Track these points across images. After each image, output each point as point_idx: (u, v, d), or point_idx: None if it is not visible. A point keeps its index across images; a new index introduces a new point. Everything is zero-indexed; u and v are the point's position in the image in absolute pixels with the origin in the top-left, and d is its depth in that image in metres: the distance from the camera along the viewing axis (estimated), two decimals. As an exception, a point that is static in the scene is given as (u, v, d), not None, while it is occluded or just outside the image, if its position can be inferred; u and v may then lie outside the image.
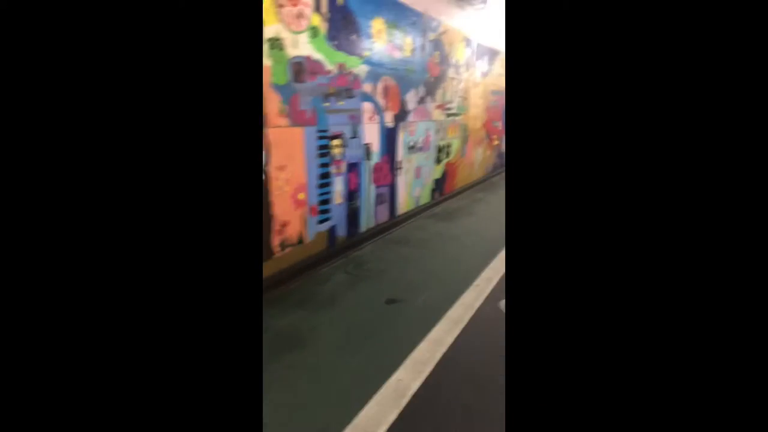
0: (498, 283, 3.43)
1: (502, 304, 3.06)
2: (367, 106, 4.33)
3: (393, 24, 4.57)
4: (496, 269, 3.75)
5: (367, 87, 4.28)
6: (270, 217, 3.30)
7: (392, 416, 1.93)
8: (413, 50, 5.05)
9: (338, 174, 4.03)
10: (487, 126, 8.18)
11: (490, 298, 3.16)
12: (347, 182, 4.19)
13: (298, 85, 3.35)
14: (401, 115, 5.00)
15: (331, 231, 4.06)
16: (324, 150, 3.77)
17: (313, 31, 3.44)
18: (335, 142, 3.91)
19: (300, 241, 3.65)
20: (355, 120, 4.17)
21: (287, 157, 3.36)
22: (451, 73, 6.16)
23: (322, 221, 3.91)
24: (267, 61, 3.03)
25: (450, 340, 2.59)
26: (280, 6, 3.07)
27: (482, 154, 8.12)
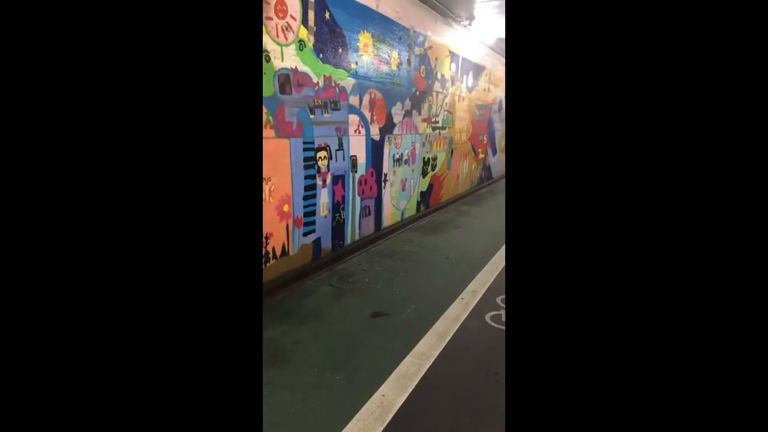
0: (484, 297, 3.43)
1: (489, 317, 3.06)
2: (353, 118, 4.34)
3: (380, 38, 4.62)
4: (481, 282, 3.75)
5: (353, 99, 4.29)
6: (254, 229, 3.25)
7: (376, 433, 1.90)
8: (400, 64, 5.10)
9: (324, 186, 4.01)
10: (473, 139, 8.27)
11: (476, 312, 3.15)
12: (333, 194, 4.17)
13: (284, 97, 3.35)
14: (387, 128, 5.02)
15: (316, 243, 4.03)
16: (310, 162, 3.76)
17: (300, 44, 3.45)
18: (321, 154, 3.90)
19: (284, 253, 3.61)
20: (342, 132, 4.17)
21: (272, 168, 3.34)
22: (437, 87, 6.24)
23: (307, 233, 3.87)
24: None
25: (435, 354, 2.56)
26: (267, 18, 3.07)
27: (468, 167, 8.20)
